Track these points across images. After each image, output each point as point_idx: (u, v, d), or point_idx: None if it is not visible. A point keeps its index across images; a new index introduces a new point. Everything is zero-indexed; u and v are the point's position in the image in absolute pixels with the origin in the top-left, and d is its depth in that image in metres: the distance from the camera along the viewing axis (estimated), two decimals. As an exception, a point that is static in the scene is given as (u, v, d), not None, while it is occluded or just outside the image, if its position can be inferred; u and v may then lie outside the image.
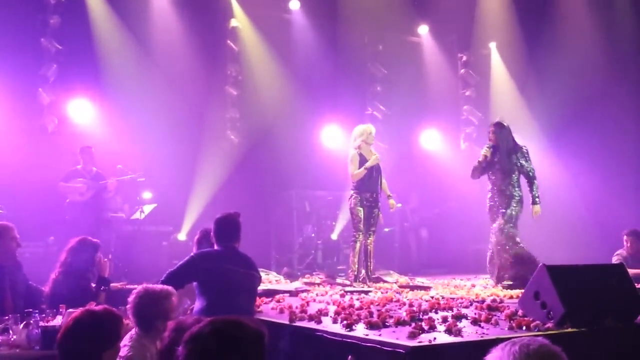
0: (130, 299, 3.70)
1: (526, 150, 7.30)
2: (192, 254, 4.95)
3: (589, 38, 11.40)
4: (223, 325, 1.93)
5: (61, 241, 8.50)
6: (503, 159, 7.17)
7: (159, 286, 3.81)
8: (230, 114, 11.17)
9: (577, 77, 11.00)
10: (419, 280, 8.02)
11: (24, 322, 4.28)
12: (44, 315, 4.46)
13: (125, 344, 3.51)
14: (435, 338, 3.66)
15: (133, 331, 3.62)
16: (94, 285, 5.37)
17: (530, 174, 7.23)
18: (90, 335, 2.83)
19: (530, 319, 4.12)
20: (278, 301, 5.77)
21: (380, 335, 3.85)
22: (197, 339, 1.89)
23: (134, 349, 3.44)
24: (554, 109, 11.34)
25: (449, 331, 3.86)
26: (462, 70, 13.08)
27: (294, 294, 6.39)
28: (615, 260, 7.42)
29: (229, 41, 11.25)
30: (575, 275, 4.44)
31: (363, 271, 7.41)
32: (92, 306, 3.40)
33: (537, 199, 7.20)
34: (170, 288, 3.82)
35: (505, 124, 7.33)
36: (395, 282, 7.59)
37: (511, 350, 1.77)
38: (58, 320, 4.32)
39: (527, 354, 1.75)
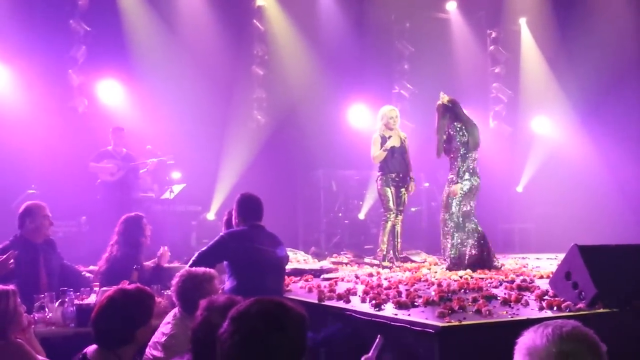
0: (174, 281, 3.78)
1: (459, 126, 6.63)
2: (221, 233, 5.00)
3: (621, 11, 11.11)
4: (269, 306, 1.96)
5: (93, 221, 8.70)
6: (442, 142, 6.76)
7: (202, 269, 3.85)
8: (257, 94, 11.16)
9: (610, 52, 10.75)
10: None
11: (59, 300, 4.39)
12: (78, 293, 4.57)
13: (168, 322, 3.59)
14: (465, 318, 3.65)
15: (176, 310, 3.70)
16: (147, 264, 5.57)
17: (459, 151, 6.57)
18: (123, 313, 2.90)
19: (561, 300, 4.07)
20: (307, 280, 5.80)
21: (409, 315, 3.85)
22: (244, 317, 1.93)
23: (177, 327, 3.53)
24: (585, 85, 11.10)
25: (478, 312, 3.84)
26: (492, 47, 12.83)
27: (321, 272, 6.42)
28: (648, 240, 7.27)
29: (255, 21, 11.20)
30: (607, 255, 4.37)
31: (391, 250, 7.42)
32: (125, 285, 3.47)
33: (456, 178, 6.55)
34: (212, 271, 3.87)
35: (445, 103, 6.77)
36: (424, 261, 7.59)
37: (544, 332, 1.75)
38: (92, 299, 4.42)
39: (560, 335, 1.73)
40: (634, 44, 10.98)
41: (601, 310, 3.90)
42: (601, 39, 10.91)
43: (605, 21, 11.05)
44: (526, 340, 1.77)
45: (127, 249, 5.59)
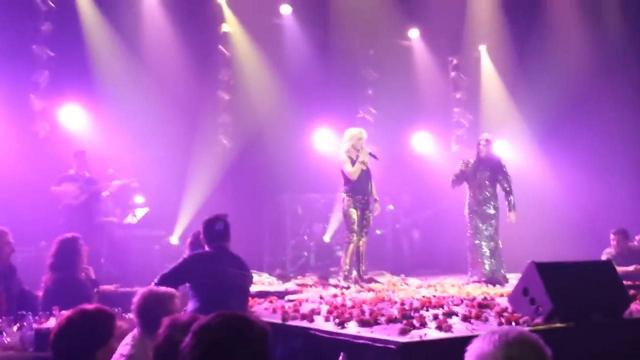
0: (135, 299, 3.72)
1: None
2: (184, 255, 4.98)
3: (578, 38, 11.49)
4: (232, 319, 1.94)
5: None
6: None
7: (163, 288, 3.82)
8: (222, 119, 11.19)
9: (567, 78, 11.08)
10: (411, 281, 8.07)
11: (18, 325, 4.30)
12: (37, 317, 4.49)
13: (127, 343, 3.54)
14: (425, 334, 3.71)
15: (135, 331, 3.65)
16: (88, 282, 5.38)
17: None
18: (83, 333, 2.86)
19: (520, 315, 4.17)
20: (271, 301, 5.80)
21: (372, 332, 3.89)
22: (206, 330, 1.90)
23: (135, 348, 3.46)
24: (543, 110, 11.42)
25: (439, 328, 3.91)
26: (453, 73, 13.15)
27: (286, 294, 6.42)
28: (604, 258, 7.50)
29: (220, 46, 11.28)
30: (563, 271, 4.50)
31: (355, 272, 7.45)
32: (85, 305, 3.42)
33: None
34: (173, 290, 3.84)
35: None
36: (388, 282, 7.64)
37: (491, 339, 1.82)
38: (51, 322, 4.34)
39: (507, 341, 1.80)
40: (589, 70, 11.34)
41: (557, 325, 4.01)
42: (558, 64, 11.27)
43: (561, 48, 11.43)
44: (475, 348, 1.84)
45: (62, 273, 5.27)
